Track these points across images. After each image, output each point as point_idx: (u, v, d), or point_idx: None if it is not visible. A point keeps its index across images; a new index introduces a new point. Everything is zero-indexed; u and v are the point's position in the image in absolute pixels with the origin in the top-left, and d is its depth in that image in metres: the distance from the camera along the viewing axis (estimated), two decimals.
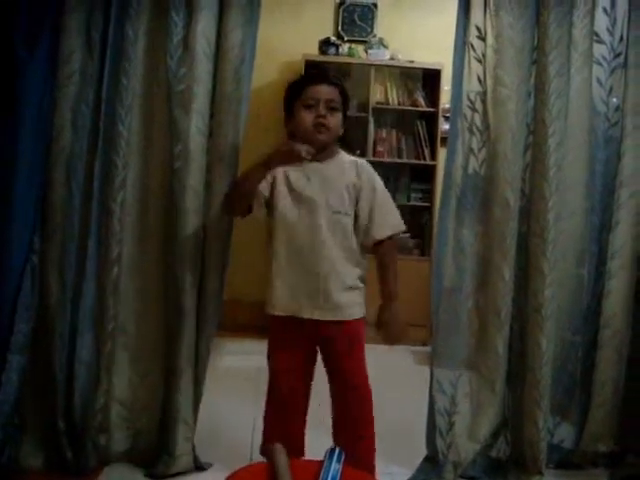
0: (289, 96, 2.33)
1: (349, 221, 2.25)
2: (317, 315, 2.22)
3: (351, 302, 2.26)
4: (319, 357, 2.35)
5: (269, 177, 2.27)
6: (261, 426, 2.37)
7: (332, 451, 1.82)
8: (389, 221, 2.30)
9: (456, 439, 2.57)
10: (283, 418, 2.33)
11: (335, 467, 1.76)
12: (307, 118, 2.24)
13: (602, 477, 2.65)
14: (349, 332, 2.27)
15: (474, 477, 2.58)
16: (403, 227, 2.34)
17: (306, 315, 2.23)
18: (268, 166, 2.27)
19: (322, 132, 2.24)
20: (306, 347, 2.30)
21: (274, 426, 2.33)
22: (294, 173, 2.26)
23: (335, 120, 2.26)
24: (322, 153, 2.28)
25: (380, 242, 2.29)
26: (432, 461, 2.57)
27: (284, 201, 2.24)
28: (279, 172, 2.27)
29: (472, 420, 2.61)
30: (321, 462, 1.79)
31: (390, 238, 2.30)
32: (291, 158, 2.24)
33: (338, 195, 2.24)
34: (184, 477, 2.49)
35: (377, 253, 2.31)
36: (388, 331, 2.27)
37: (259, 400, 2.32)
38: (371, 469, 2.30)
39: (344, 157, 2.35)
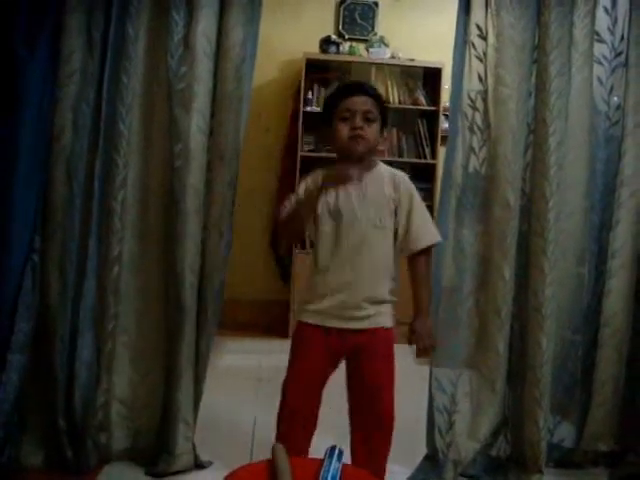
0: (326, 109, 2.30)
1: (389, 234, 2.24)
2: (346, 325, 2.22)
3: (383, 312, 2.25)
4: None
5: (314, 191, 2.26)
6: (261, 425, 2.36)
7: (332, 450, 1.82)
8: (426, 233, 2.28)
9: (456, 438, 2.58)
10: (294, 426, 2.30)
11: (335, 466, 1.76)
12: (343, 130, 2.21)
13: (602, 476, 2.66)
14: (378, 340, 2.25)
15: (474, 476, 2.58)
16: (439, 238, 2.32)
17: (337, 325, 2.22)
18: (302, 218, 2.24)
19: (359, 143, 2.20)
20: (331, 358, 2.28)
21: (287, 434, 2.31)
22: (332, 186, 2.24)
23: (372, 131, 2.22)
24: (360, 165, 2.24)
25: (415, 255, 2.28)
26: (432, 460, 2.58)
27: (325, 216, 2.23)
28: (322, 191, 2.24)
29: (472, 419, 2.61)
30: (321, 461, 1.79)
31: (425, 251, 2.29)
32: (341, 180, 2.21)
33: (377, 209, 2.23)
34: (184, 475, 2.49)
35: (411, 266, 2.30)
36: (420, 343, 2.27)
37: (259, 399, 2.33)
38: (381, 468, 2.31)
39: (382, 169, 2.32)
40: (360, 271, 2.21)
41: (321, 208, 2.23)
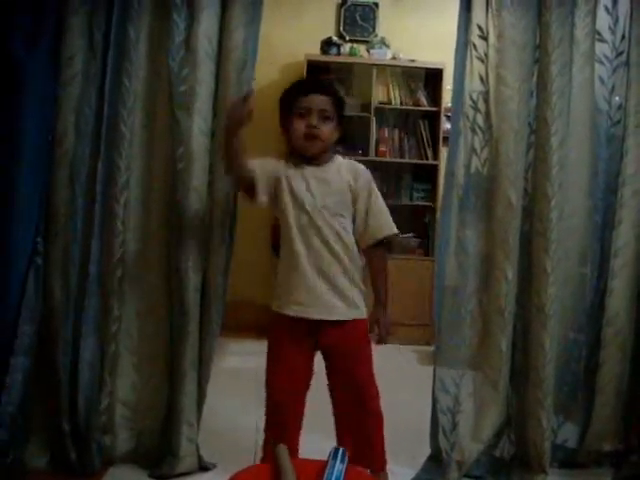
0: (283, 105, 2.34)
1: (347, 223, 2.28)
2: (323, 315, 2.23)
3: (356, 303, 2.28)
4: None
5: (272, 177, 2.28)
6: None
7: (336, 451, 1.82)
8: (383, 225, 2.33)
9: (460, 438, 2.57)
10: (280, 420, 2.32)
11: (339, 467, 1.76)
12: (299, 127, 2.26)
13: (606, 476, 2.65)
14: (355, 332, 2.28)
15: (478, 476, 2.58)
16: (396, 230, 2.36)
17: (312, 315, 2.23)
18: (230, 133, 2.23)
19: (313, 142, 2.26)
20: (309, 348, 2.30)
21: (273, 429, 2.32)
22: (294, 177, 2.28)
23: (327, 129, 2.27)
24: (318, 159, 2.30)
25: (373, 245, 2.32)
26: (436, 460, 2.57)
27: (287, 205, 2.25)
28: (282, 176, 2.28)
29: (476, 419, 2.61)
30: (325, 462, 1.79)
31: (383, 242, 2.33)
32: (238, 117, 2.19)
33: (336, 197, 2.27)
34: (188, 478, 2.49)
35: (370, 256, 2.35)
36: (381, 332, 2.31)
37: (262, 401, 2.32)
38: (381, 450, 2.34)
39: (341, 160, 2.37)
40: (324, 260, 2.23)
41: (283, 197, 2.26)
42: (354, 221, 2.30)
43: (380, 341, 2.31)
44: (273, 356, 2.32)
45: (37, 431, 2.49)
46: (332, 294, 2.23)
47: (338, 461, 1.78)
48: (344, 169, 2.33)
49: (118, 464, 2.54)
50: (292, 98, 2.30)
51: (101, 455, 2.51)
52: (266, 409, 2.32)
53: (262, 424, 2.34)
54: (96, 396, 2.51)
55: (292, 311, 2.25)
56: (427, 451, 2.60)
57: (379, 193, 2.36)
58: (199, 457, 2.55)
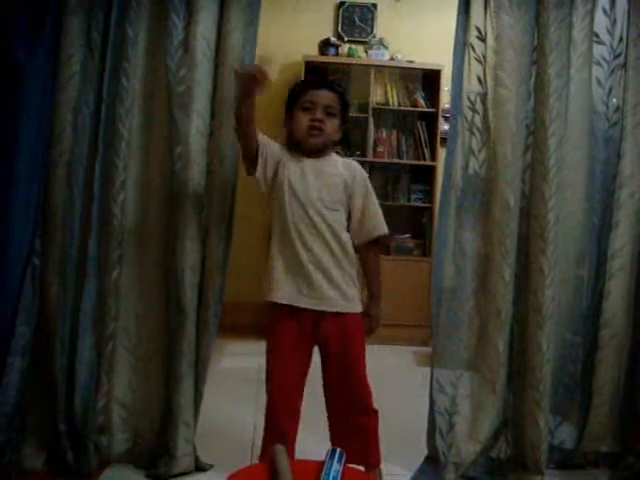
0: (290, 98, 2.36)
1: (341, 217, 2.30)
2: (317, 306, 2.25)
3: (351, 296, 2.29)
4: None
5: (273, 159, 2.29)
6: (261, 427, 2.35)
7: (333, 451, 1.82)
8: (377, 224, 2.36)
9: (457, 439, 2.57)
10: (280, 414, 2.31)
11: (336, 468, 1.76)
12: (303, 120, 2.28)
13: (603, 477, 2.65)
14: (352, 325, 2.30)
15: (475, 477, 2.58)
16: (387, 230, 2.39)
17: (305, 305, 2.25)
18: (243, 97, 2.19)
19: (315, 135, 2.28)
20: (308, 338, 2.30)
21: (274, 425, 2.32)
22: (292, 167, 2.29)
23: (331, 125, 2.30)
24: (317, 153, 2.32)
25: (368, 244, 2.36)
26: (433, 461, 2.58)
27: (283, 193, 2.26)
28: (282, 163, 2.29)
29: (473, 420, 2.61)
30: (321, 463, 1.79)
31: (377, 240, 2.37)
32: (251, 82, 2.14)
33: (331, 191, 2.29)
34: (185, 478, 2.49)
35: (364, 253, 2.38)
36: (372, 324, 2.36)
37: (259, 401, 2.32)
38: (375, 445, 2.35)
39: (337, 157, 2.40)
40: (318, 252, 2.25)
41: (279, 185, 2.27)
42: (349, 217, 2.32)
43: (368, 332, 2.35)
44: (274, 344, 2.31)
45: (33, 431, 2.49)
46: (328, 286, 2.25)
47: (335, 461, 1.78)
48: (341, 165, 2.36)
49: (115, 464, 2.55)
50: (298, 93, 2.32)
51: (98, 455, 2.51)
52: (267, 402, 2.31)
53: (259, 424, 2.33)
54: (93, 396, 2.51)
55: (293, 301, 2.25)
56: (424, 452, 2.60)
57: (373, 192, 2.39)
58: (196, 457, 2.55)
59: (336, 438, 2.33)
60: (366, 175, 2.40)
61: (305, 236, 2.24)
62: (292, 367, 2.29)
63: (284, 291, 2.26)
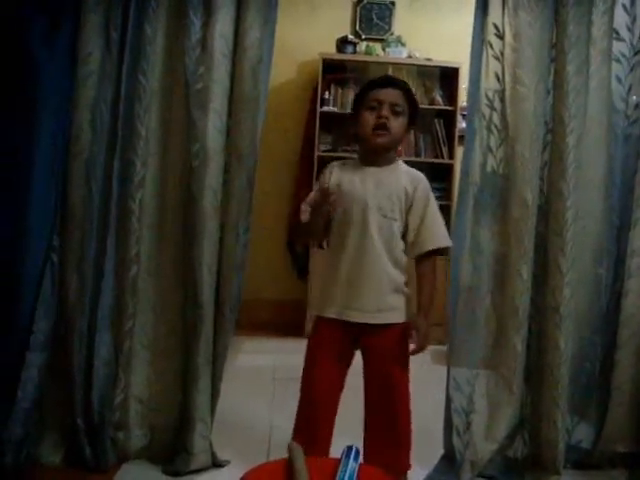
0: (356, 98, 2.32)
1: (398, 227, 2.25)
2: (363, 318, 2.21)
3: (396, 306, 2.25)
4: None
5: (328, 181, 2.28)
6: (277, 424, 2.36)
7: (349, 449, 1.82)
8: (436, 236, 2.28)
9: (473, 438, 2.56)
10: (314, 421, 2.30)
11: (352, 465, 1.76)
12: (369, 119, 2.21)
13: (620, 478, 2.63)
14: (393, 336, 2.25)
15: (491, 476, 2.57)
16: (450, 243, 2.33)
17: (352, 318, 2.22)
18: (316, 212, 2.22)
19: (381, 135, 2.21)
20: (347, 350, 2.28)
21: (304, 429, 2.30)
22: (348, 175, 2.27)
23: (397, 124, 2.22)
24: (381, 158, 2.27)
25: (422, 256, 2.28)
26: (449, 460, 2.57)
27: (342, 203, 2.22)
28: (340, 180, 2.26)
29: (489, 419, 2.60)
30: (338, 460, 1.79)
31: (434, 252, 2.29)
32: (324, 207, 2.19)
33: (390, 200, 2.23)
34: (202, 474, 2.49)
35: (418, 265, 2.29)
36: (419, 340, 2.21)
37: (276, 398, 2.33)
38: (406, 453, 2.31)
39: (402, 166, 2.33)
40: (370, 262, 2.20)
41: (339, 201, 2.22)
42: (406, 228, 2.26)
43: (415, 351, 2.21)
44: (311, 357, 2.30)
45: (51, 427, 2.51)
46: (375, 297, 2.21)
47: (351, 459, 1.78)
48: (404, 175, 2.29)
49: (132, 460, 2.56)
50: (364, 93, 2.27)
51: (115, 451, 2.53)
52: (298, 408, 2.31)
53: (275, 421, 2.34)
54: (110, 392, 2.52)
55: (333, 314, 2.24)
56: (440, 450, 2.60)
57: (436, 204, 2.31)
58: (212, 454, 2.56)
59: (369, 450, 2.26)
60: (429, 186, 2.31)
61: (360, 245, 2.20)
62: (328, 378, 2.26)
63: (331, 305, 2.24)
